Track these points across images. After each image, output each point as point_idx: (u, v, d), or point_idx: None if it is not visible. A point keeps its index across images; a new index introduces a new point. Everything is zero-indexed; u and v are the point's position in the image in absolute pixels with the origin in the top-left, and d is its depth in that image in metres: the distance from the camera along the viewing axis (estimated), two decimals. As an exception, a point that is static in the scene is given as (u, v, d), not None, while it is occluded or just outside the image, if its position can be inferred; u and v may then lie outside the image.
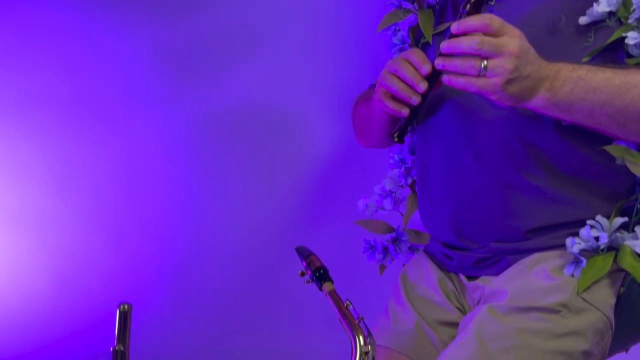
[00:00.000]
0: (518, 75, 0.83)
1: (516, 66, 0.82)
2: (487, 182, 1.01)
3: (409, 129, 1.00)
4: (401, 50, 1.27)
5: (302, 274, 0.93)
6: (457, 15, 1.16)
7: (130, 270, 1.43)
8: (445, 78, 0.87)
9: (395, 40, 1.26)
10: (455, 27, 0.85)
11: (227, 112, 1.46)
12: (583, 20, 0.94)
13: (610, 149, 0.92)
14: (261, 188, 1.47)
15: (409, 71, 0.94)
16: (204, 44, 1.44)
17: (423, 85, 0.94)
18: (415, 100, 0.95)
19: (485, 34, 0.83)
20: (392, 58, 1.12)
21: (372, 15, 1.51)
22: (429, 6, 1.24)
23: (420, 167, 1.17)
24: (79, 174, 1.40)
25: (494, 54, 0.82)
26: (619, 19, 0.93)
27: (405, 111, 0.96)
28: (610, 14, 0.93)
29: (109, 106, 1.41)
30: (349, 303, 0.86)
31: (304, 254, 0.93)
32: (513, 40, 0.83)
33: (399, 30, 1.27)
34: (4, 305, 1.37)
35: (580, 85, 0.85)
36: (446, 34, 0.94)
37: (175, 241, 1.45)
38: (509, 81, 0.83)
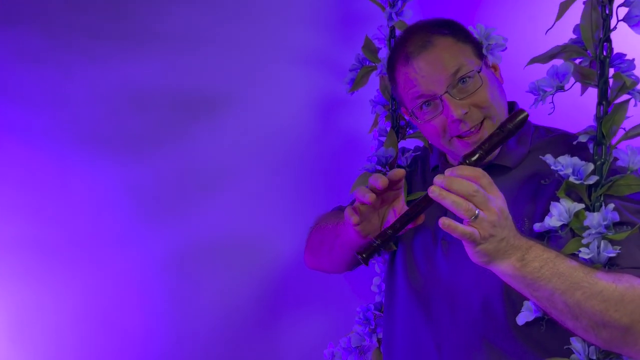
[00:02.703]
0: (496, 234, 0.84)
1: (495, 225, 0.83)
2: None
3: (376, 254, 0.98)
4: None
5: None
6: (424, 180, 1.18)
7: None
8: (441, 222, 0.84)
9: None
10: (450, 170, 0.86)
11: (196, 249, 1.46)
12: (537, 227, 0.95)
13: None
14: (229, 328, 1.46)
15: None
16: (173, 182, 1.45)
17: (370, 197, 0.95)
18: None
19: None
20: None
21: (338, 146, 1.53)
22: (399, 167, 1.26)
23: (385, 335, 1.19)
24: (42, 321, 1.40)
25: (482, 206, 0.83)
26: (571, 229, 0.93)
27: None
28: (563, 226, 0.93)
29: (75, 248, 1.41)
30: None
31: None
32: (498, 200, 0.85)
33: None
34: None
35: (549, 266, 0.86)
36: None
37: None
38: (489, 236, 0.84)
